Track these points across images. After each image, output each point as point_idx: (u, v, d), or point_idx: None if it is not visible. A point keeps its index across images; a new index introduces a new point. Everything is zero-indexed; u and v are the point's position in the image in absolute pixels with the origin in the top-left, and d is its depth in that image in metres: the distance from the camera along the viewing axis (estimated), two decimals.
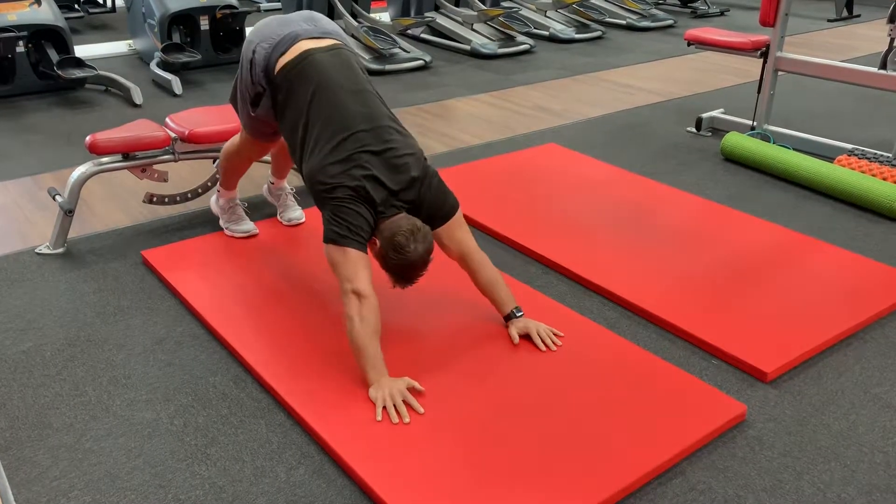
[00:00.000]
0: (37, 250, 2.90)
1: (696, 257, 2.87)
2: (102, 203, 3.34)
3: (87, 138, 2.87)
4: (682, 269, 2.78)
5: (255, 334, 2.34)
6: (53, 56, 4.78)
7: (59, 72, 4.64)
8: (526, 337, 2.31)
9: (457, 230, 2.28)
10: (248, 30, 5.55)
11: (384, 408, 1.99)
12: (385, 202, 2.12)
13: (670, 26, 7.29)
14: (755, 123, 4.14)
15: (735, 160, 3.90)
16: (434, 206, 2.22)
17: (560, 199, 3.36)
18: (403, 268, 2.10)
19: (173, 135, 3.02)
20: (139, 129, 3.00)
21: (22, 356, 2.29)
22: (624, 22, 7.21)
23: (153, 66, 5.21)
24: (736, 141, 3.88)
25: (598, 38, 6.80)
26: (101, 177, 3.41)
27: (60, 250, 2.91)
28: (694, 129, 4.39)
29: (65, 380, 2.19)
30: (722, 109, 4.51)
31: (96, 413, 2.05)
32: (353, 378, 2.12)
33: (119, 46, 6.03)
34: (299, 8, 6.07)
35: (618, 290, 2.62)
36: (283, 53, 2.31)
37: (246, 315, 2.44)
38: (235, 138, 2.80)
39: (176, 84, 4.93)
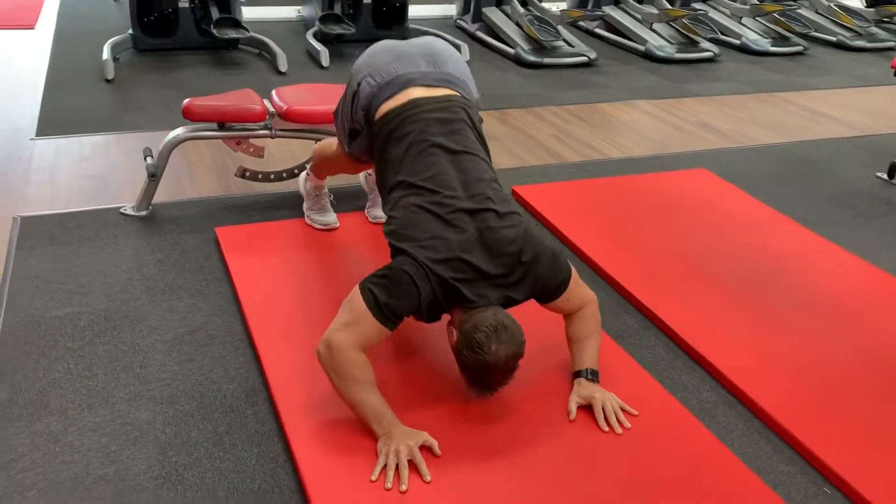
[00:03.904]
0: (121, 210, 2.84)
1: (841, 343, 2.28)
2: (205, 169, 3.25)
3: (184, 102, 2.75)
4: (819, 356, 2.21)
5: (289, 344, 2.09)
6: (214, 14, 4.83)
7: (215, 30, 4.68)
8: (588, 407, 1.90)
9: (566, 302, 1.92)
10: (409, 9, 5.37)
11: (385, 466, 1.67)
12: (472, 286, 1.76)
13: (890, 48, 6.28)
14: None
15: None
16: (541, 284, 1.85)
17: (690, 238, 2.85)
18: (480, 371, 1.76)
19: (272, 109, 2.84)
20: (238, 99, 2.84)
21: (56, 322, 2.19)
22: (833, 39, 6.29)
23: (309, 34, 5.15)
24: None
25: (798, 53, 5.97)
26: (212, 142, 3.33)
27: (143, 213, 2.82)
28: (885, 176, 3.64)
29: (83, 357, 2.05)
30: None
31: (94, 402, 1.89)
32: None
33: (290, 12, 6.07)
34: None
35: (726, 368, 2.12)
36: (388, 98, 1.97)
37: (290, 319, 2.20)
38: (334, 140, 2.47)
39: (324, 56, 4.83)
